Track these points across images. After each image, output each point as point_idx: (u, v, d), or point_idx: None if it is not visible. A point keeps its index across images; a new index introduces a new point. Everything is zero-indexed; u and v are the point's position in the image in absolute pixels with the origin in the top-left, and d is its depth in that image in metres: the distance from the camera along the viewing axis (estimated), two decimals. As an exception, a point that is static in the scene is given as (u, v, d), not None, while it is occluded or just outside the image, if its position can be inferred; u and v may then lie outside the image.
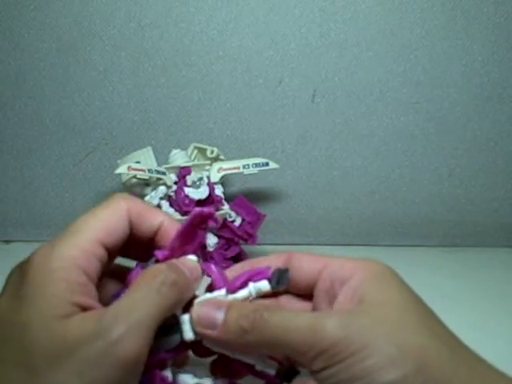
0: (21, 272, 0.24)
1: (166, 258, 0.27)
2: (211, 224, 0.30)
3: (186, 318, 0.26)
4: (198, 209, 0.28)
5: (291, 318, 0.24)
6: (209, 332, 0.25)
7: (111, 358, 0.21)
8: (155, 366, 0.26)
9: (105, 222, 0.27)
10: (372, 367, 0.22)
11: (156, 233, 0.29)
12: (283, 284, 0.27)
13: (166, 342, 0.26)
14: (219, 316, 0.25)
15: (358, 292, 0.25)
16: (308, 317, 0.24)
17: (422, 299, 0.26)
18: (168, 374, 0.27)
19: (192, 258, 0.28)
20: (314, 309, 0.28)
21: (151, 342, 0.23)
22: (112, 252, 0.27)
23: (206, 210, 0.28)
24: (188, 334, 0.26)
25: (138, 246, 0.29)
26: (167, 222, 0.29)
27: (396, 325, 0.23)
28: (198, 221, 0.28)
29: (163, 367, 0.27)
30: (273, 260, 0.29)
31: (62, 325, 0.22)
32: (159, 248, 0.28)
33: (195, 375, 0.27)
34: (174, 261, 0.27)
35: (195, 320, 0.25)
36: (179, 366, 0.29)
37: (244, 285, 0.28)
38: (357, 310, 0.24)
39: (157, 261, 0.27)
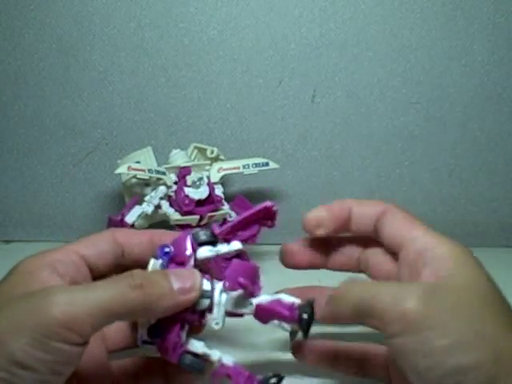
0: None
1: (220, 234, 0.29)
2: (268, 225, 0.31)
3: (221, 302, 0.28)
4: (269, 203, 0.30)
5: (380, 288, 0.25)
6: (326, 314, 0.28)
7: (42, 313, 0.23)
8: (176, 322, 0.27)
9: (86, 238, 0.30)
10: (445, 346, 0.22)
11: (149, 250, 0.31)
12: (309, 330, 0.28)
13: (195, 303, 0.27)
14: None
15: (439, 273, 0.26)
16: (392, 287, 0.25)
17: (498, 287, 0.26)
18: (183, 335, 0.28)
19: (196, 271, 0.28)
20: (397, 273, 0.29)
21: (94, 327, 0.24)
22: (98, 263, 0.30)
23: (275, 207, 0.30)
24: (217, 323, 0.28)
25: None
26: (157, 234, 0.32)
27: (477, 311, 0.23)
28: (262, 213, 0.30)
29: (182, 327, 0.28)
30: (372, 206, 0.31)
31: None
32: None
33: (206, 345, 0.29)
34: (164, 271, 0.28)
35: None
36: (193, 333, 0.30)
37: (269, 317, 0.29)
38: (440, 288, 0.24)
39: (212, 234, 0.29)
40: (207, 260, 0.29)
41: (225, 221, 0.52)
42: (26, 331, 0.23)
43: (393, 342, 0.24)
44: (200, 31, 0.54)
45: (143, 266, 0.29)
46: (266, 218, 0.31)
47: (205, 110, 0.57)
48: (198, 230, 0.30)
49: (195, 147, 0.53)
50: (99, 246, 0.30)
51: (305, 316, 0.28)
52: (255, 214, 0.30)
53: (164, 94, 0.56)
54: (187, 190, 0.47)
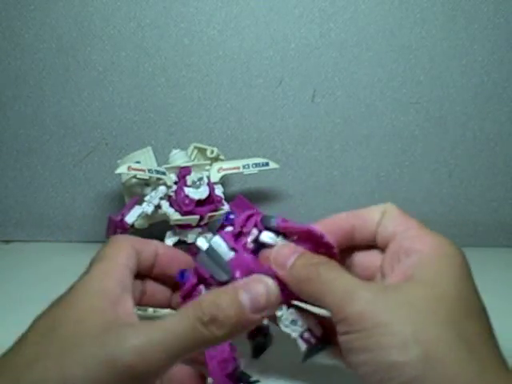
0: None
1: (278, 228, 0.30)
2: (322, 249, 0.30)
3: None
4: (315, 228, 0.29)
5: (334, 280, 0.26)
6: (279, 271, 0.28)
7: (119, 363, 0.23)
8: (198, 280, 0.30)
9: (123, 249, 0.30)
10: (383, 344, 0.23)
11: (155, 260, 0.32)
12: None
13: (216, 272, 0.29)
14: (290, 260, 0.28)
15: (411, 270, 0.26)
16: (347, 283, 0.25)
17: (476, 299, 0.26)
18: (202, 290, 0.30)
19: (271, 283, 0.27)
20: (381, 266, 0.30)
21: (166, 365, 0.24)
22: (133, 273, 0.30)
23: (324, 238, 0.29)
24: None
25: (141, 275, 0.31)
26: (161, 247, 0.32)
27: (421, 312, 0.24)
28: (308, 236, 0.30)
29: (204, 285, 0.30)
30: (374, 211, 0.31)
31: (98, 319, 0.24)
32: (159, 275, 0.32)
33: None
34: (235, 290, 0.26)
35: (273, 258, 0.29)
36: None
37: None
38: (392, 288, 0.25)
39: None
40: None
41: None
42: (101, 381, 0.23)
43: (340, 339, 0.25)
44: (200, 31, 0.54)
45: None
46: (321, 248, 0.29)
47: (205, 110, 0.57)
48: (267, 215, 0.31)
49: (195, 147, 0.53)
50: (133, 256, 0.30)
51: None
52: (301, 232, 0.30)
53: (164, 94, 0.56)
54: (187, 190, 0.47)
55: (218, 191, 0.50)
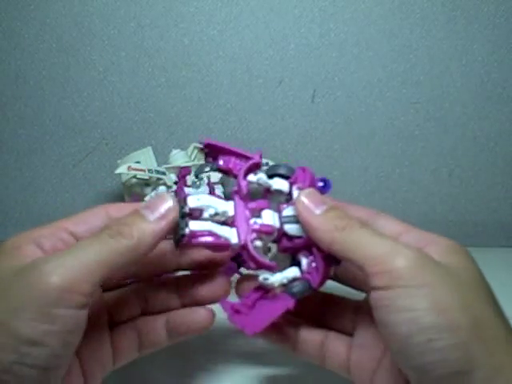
0: None
1: None
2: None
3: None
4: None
5: (376, 234, 0.25)
6: (307, 213, 0.27)
7: (40, 283, 0.23)
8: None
9: (77, 215, 0.30)
10: (430, 305, 0.22)
11: None
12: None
13: None
14: (319, 209, 0.27)
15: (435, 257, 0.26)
16: (391, 241, 0.25)
17: (486, 280, 0.27)
18: None
19: (166, 195, 0.28)
20: None
21: (93, 283, 0.24)
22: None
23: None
24: None
25: None
26: None
27: (461, 284, 0.24)
28: None
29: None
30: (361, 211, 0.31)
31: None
32: None
33: None
34: (135, 208, 0.28)
35: (299, 205, 0.28)
36: None
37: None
38: (432, 259, 0.25)
39: None
40: None
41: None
42: (28, 306, 0.22)
43: (374, 295, 0.24)
44: (200, 31, 0.54)
45: None
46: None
47: (205, 110, 0.57)
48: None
49: (195, 147, 0.53)
50: (90, 222, 0.29)
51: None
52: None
53: (164, 94, 0.56)
54: (187, 190, 0.47)
55: (218, 191, 0.50)
